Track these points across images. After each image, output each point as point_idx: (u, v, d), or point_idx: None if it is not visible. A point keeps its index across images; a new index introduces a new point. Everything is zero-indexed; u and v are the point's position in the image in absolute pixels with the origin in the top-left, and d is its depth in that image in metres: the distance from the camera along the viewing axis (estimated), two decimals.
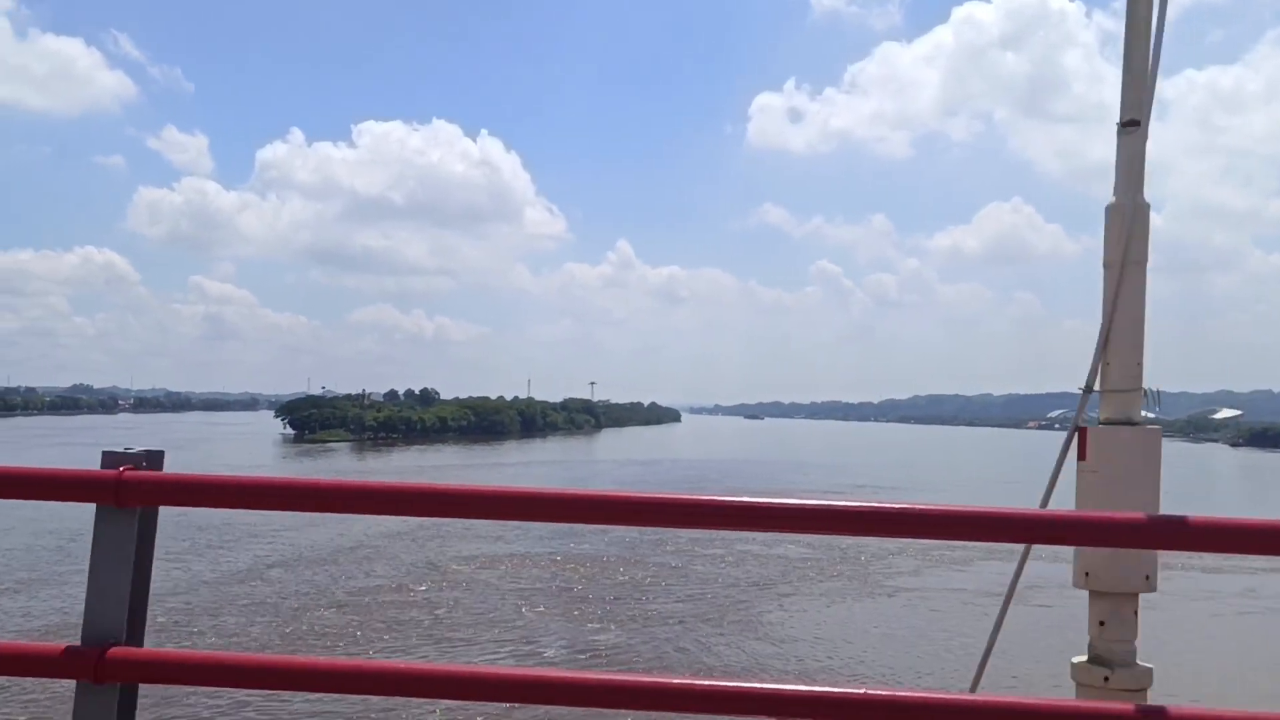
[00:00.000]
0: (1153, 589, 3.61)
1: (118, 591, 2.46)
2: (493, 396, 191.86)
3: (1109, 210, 3.81)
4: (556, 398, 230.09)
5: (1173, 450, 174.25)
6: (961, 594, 31.40)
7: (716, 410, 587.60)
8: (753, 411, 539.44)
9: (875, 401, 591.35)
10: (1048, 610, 29.48)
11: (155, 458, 2.58)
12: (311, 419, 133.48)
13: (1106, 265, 3.79)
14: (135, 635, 2.50)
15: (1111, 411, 3.83)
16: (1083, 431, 3.82)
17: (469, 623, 25.85)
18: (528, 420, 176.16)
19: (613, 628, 26.14)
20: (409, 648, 22.87)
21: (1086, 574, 3.66)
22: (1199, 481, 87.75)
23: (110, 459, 2.52)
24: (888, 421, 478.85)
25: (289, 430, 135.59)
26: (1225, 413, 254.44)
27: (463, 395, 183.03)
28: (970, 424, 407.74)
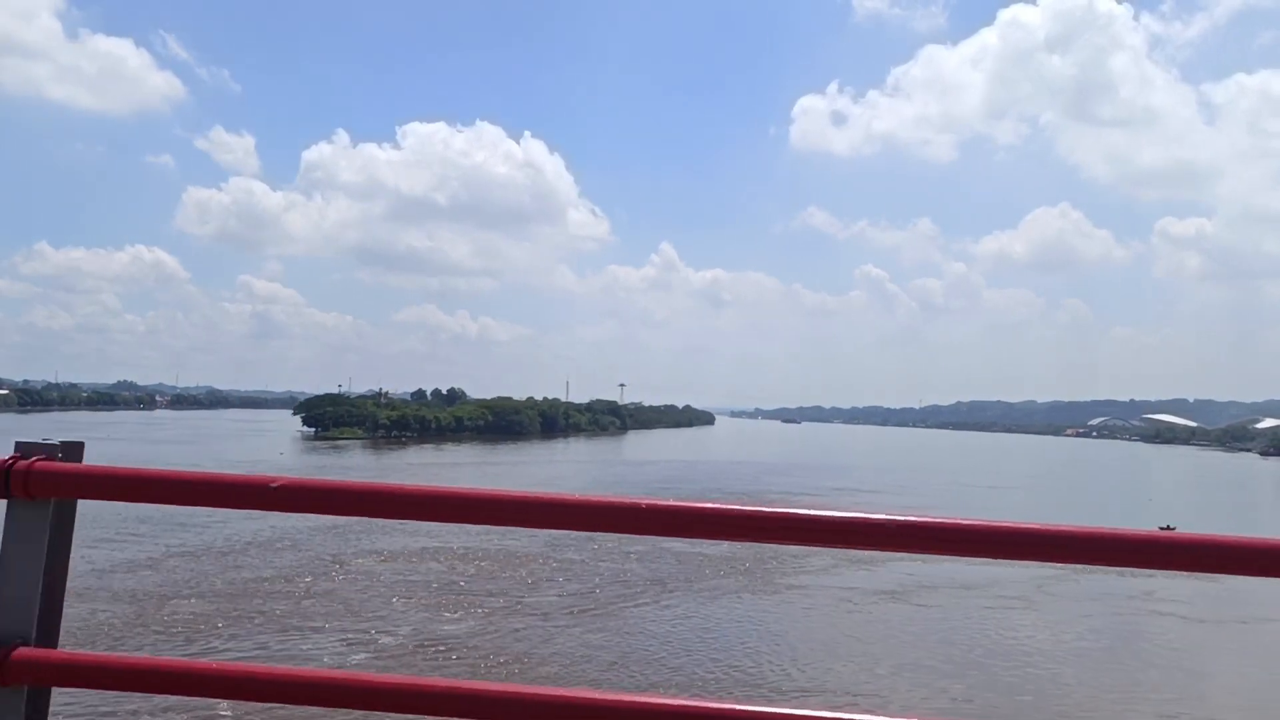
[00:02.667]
0: None
1: (25, 588, 2.25)
2: (536, 397, 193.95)
3: None
4: (596, 399, 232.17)
5: (1198, 459, 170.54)
6: (851, 593, 31.37)
7: (757, 414, 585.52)
8: (792, 415, 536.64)
9: (917, 407, 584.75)
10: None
11: (74, 449, 2.35)
12: (327, 417, 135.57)
13: None
14: (48, 635, 2.28)
15: None
16: None
17: (329, 613, 26.35)
18: (549, 420, 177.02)
19: (471, 619, 26.54)
20: (242, 636, 23.46)
21: None
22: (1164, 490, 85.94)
23: (24, 449, 2.30)
24: (928, 427, 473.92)
25: (306, 428, 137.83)
26: (1269, 422, 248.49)
27: (507, 396, 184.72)
28: (1010, 430, 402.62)
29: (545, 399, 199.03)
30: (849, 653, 25.03)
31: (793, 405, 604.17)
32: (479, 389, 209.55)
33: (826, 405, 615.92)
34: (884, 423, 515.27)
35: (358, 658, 22.24)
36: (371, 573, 32.25)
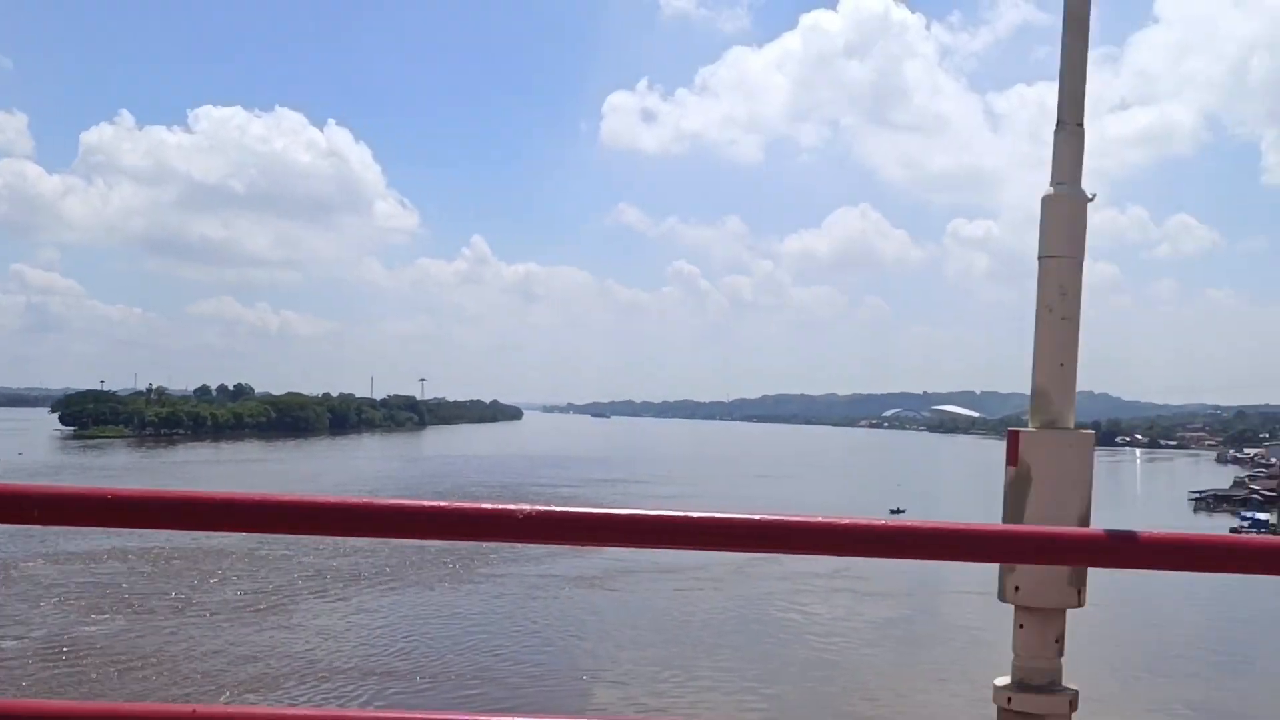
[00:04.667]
0: (1081, 605, 3.33)
1: None
2: (337, 393, 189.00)
3: (1044, 202, 3.68)
4: (394, 394, 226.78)
5: (971, 446, 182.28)
6: (546, 580, 31.43)
7: (569, 409, 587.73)
8: (603, 410, 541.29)
9: (726, 401, 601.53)
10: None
11: None
12: (87, 414, 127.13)
13: (1041, 258, 3.70)
14: None
15: (1042, 416, 3.64)
16: (1013, 435, 3.59)
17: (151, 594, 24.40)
18: (339, 417, 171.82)
19: (123, 620, 25.06)
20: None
21: (1016, 588, 3.30)
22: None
23: None
24: (734, 420, 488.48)
25: (65, 426, 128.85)
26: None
27: (298, 392, 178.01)
28: (811, 422, 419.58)
29: (340, 395, 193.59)
30: (520, 640, 25.02)
31: (605, 400, 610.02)
32: (280, 386, 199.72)
33: (638, 400, 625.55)
34: (692, 416, 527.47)
35: None
36: (36, 576, 30.09)
